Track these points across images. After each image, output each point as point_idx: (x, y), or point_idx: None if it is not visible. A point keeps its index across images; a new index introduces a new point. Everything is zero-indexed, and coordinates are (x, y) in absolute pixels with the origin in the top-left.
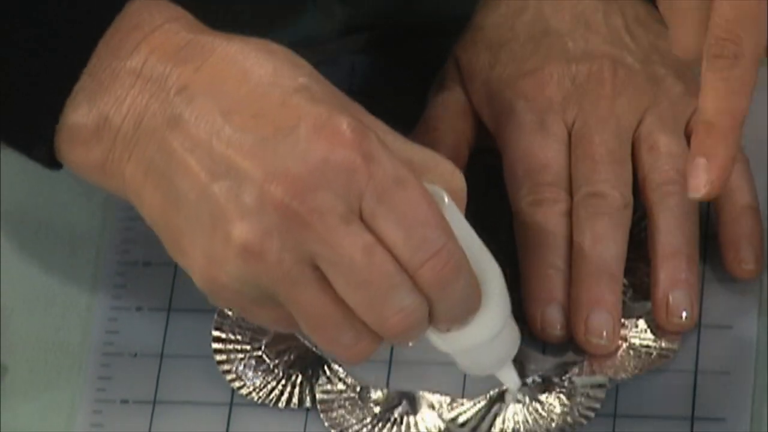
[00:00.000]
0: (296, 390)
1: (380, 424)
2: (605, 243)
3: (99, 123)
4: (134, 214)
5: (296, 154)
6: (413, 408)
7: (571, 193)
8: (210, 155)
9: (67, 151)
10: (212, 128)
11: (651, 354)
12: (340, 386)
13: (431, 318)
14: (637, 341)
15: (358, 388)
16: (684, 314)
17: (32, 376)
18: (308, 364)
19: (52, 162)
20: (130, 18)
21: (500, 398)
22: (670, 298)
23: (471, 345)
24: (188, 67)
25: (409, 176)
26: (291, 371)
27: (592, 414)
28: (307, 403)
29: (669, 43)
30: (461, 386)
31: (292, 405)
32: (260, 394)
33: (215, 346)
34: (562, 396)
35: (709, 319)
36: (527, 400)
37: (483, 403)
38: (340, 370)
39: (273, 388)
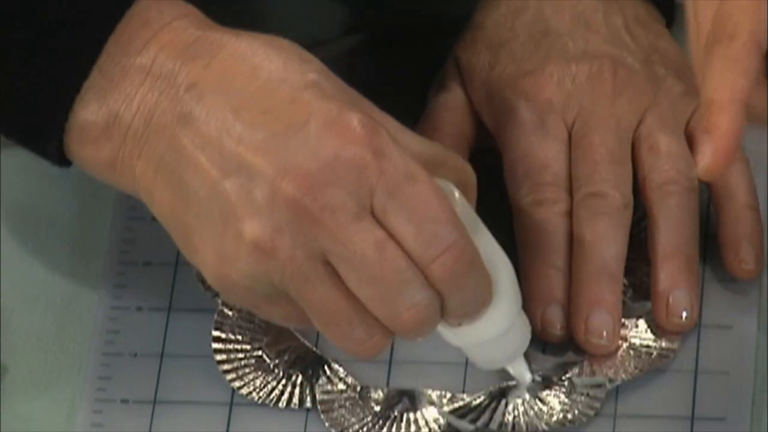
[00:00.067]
0: (296, 390)
1: (381, 422)
2: (605, 243)
3: (109, 120)
4: (135, 214)
5: (307, 151)
6: (413, 405)
7: (571, 193)
8: (220, 152)
9: (77, 148)
10: (222, 125)
11: (651, 354)
12: (341, 386)
13: (443, 312)
14: (637, 341)
15: (358, 388)
16: (684, 314)
17: (32, 376)
18: (308, 364)
19: (62, 160)
20: (139, 15)
21: (500, 393)
22: (670, 298)
23: (482, 339)
24: (197, 63)
25: (419, 172)
26: (291, 371)
27: (591, 412)
28: (308, 403)
29: (669, 43)
30: (461, 385)
31: (292, 405)
32: (260, 393)
33: (215, 345)
34: (561, 396)
35: (709, 319)
36: (527, 395)
37: (483, 397)
38: (341, 370)
39: (273, 388)
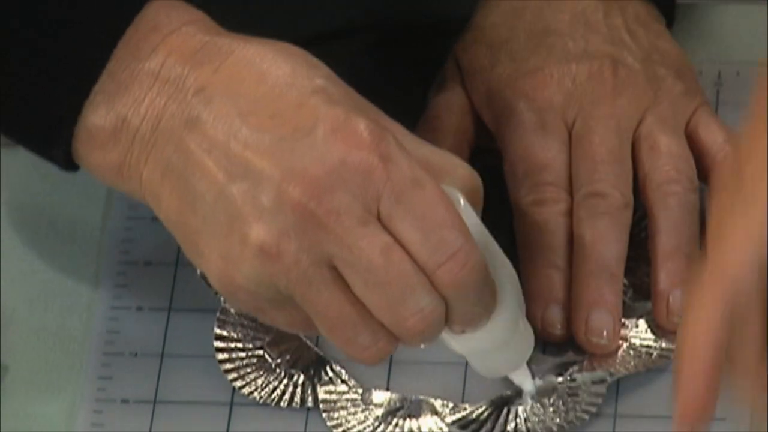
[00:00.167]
0: (298, 390)
1: (382, 427)
2: (606, 243)
3: (117, 125)
4: (135, 214)
5: (314, 155)
6: (415, 412)
7: (571, 193)
8: (227, 156)
9: (84, 152)
10: (230, 129)
11: (651, 354)
12: (342, 387)
13: (447, 319)
14: (637, 341)
15: (360, 390)
16: None
17: (33, 376)
18: (310, 364)
19: (69, 164)
20: (148, 20)
21: (502, 402)
22: (671, 298)
23: (486, 347)
24: (206, 68)
25: (426, 177)
26: (292, 371)
27: (593, 409)
28: (309, 403)
29: (669, 43)
30: (462, 387)
31: (293, 405)
32: (261, 393)
33: (217, 345)
34: (564, 395)
35: None
36: (529, 401)
37: (485, 406)
38: (343, 371)
39: (274, 388)
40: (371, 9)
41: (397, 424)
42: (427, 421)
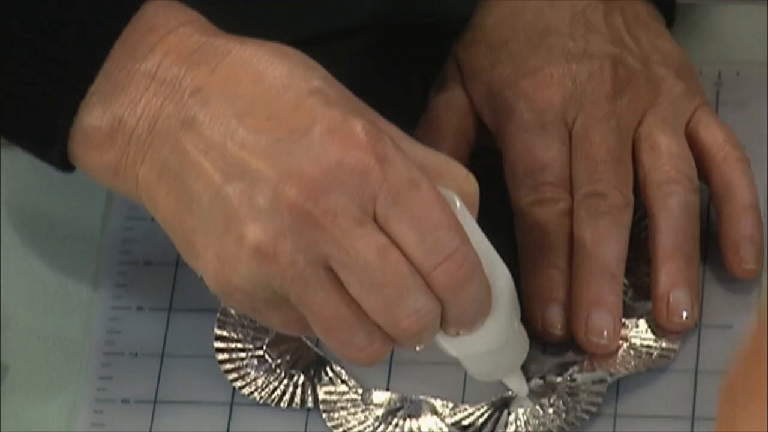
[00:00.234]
0: (298, 390)
1: (382, 427)
2: (606, 243)
3: (113, 125)
4: (135, 214)
5: (310, 156)
6: (415, 412)
7: (571, 193)
8: (224, 157)
9: (80, 153)
10: (226, 130)
11: (651, 354)
12: (343, 387)
13: (442, 321)
14: (637, 341)
15: (360, 390)
16: (684, 314)
17: (33, 376)
18: (310, 364)
19: (65, 165)
20: (145, 20)
21: (503, 403)
22: (671, 298)
23: (480, 350)
24: (202, 69)
25: (422, 179)
26: (293, 371)
27: (594, 409)
28: (309, 403)
29: (669, 43)
30: (462, 388)
31: (293, 405)
32: (262, 393)
33: (217, 345)
34: (564, 395)
35: (710, 319)
36: (529, 403)
37: (485, 407)
38: (343, 371)
39: (275, 388)
40: (371, 9)
41: (397, 425)
42: (428, 421)
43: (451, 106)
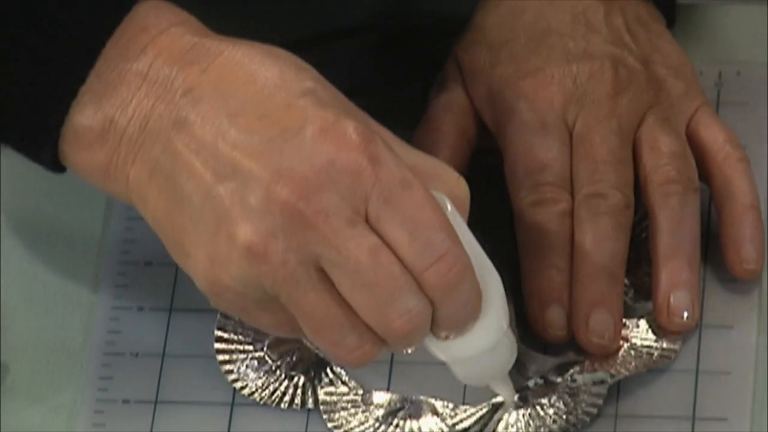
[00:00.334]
0: (298, 391)
1: (382, 428)
2: (606, 243)
3: (104, 125)
4: (135, 214)
5: (302, 156)
6: (416, 413)
7: (572, 193)
8: (215, 156)
9: (71, 153)
10: (218, 130)
11: (652, 354)
12: (343, 388)
13: (432, 323)
14: (638, 341)
15: (360, 391)
16: (685, 314)
17: (34, 376)
18: (310, 365)
19: (56, 165)
20: (137, 21)
21: (503, 404)
22: (672, 299)
23: (469, 354)
24: (194, 69)
25: (414, 180)
26: (293, 372)
27: (594, 410)
28: (309, 404)
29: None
30: (462, 388)
31: (294, 406)
32: (262, 394)
33: (218, 346)
34: (564, 396)
35: (710, 319)
36: (529, 404)
37: (486, 409)
38: (343, 372)
39: (275, 389)
40: (371, 9)
41: (397, 425)
42: (428, 421)
43: (451, 106)
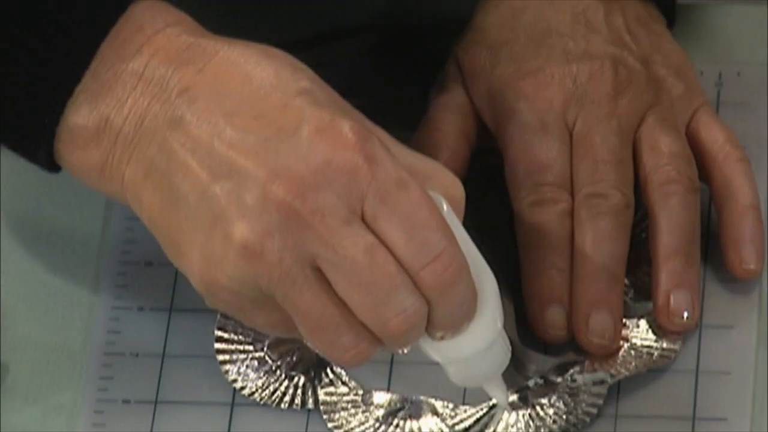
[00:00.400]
0: (298, 391)
1: (382, 428)
2: (607, 243)
3: (100, 124)
4: (135, 214)
5: (298, 155)
6: (416, 413)
7: (572, 194)
8: (211, 156)
9: (66, 153)
10: (214, 129)
11: (652, 354)
12: (343, 389)
13: (428, 323)
14: (638, 341)
15: (360, 391)
16: (685, 314)
17: (34, 377)
18: (310, 365)
19: (51, 165)
20: (133, 20)
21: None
22: (672, 299)
23: (463, 354)
24: (190, 69)
25: (410, 179)
26: (293, 372)
27: (594, 410)
28: (309, 404)
29: (670, 44)
30: (462, 389)
31: (294, 406)
32: (262, 394)
33: (218, 346)
34: (565, 396)
35: (711, 319)
36: (529, 404)
37: (486, 409)
38: (343, 372)
39: (275, 389)
40: (371, 9)
41: (397, 425)
42: (428, 422)
43: (451, 106)
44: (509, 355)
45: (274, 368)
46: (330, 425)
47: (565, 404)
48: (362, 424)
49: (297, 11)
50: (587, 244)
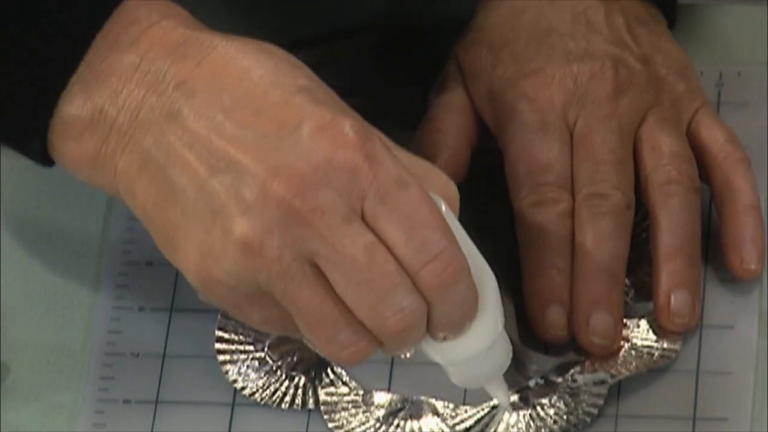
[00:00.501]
0: (299, 391)
1: (383, 428)
2: (607, 243)
3: (94, 115)
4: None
5: (299, 153)
6: (416, 413)
7: (572, 194)
8: (209, 150)
9: (59, 144)
10: (212, 124)
11: (653, 354)
12: (344, 389)
13: (428, 324)
14: (638, 341)
15: (361, 391)
16: (686, 314)
17: (34, 377)
18: (311, 365)
19: (45, 157)
20: (128, 13)
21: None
22: (672, 299)
23: (464, 355)
24: (187, 62)
25: (411, 179)
26: (294, 373)
27: (595, 411)
28: (310, 404)
29: (670, 44)
30: (463, 389)
31: (294, 406)
32: (263, 395)
33: (218, 346)
34: (565, 396)
35: (711, 319)
36: (530, 404)
37: (486, 409)
38: (344, 372)
39: (276, 390)
40: (371, 9)
41: (398, 425)
42: (429, 422)
43: (452, 106)
44: (510, 355)
45: (274, 368)
46: (330, 425)
47: (565, 404)
48: (363, 424)
49: (297, 11)
50: (588, 244)
